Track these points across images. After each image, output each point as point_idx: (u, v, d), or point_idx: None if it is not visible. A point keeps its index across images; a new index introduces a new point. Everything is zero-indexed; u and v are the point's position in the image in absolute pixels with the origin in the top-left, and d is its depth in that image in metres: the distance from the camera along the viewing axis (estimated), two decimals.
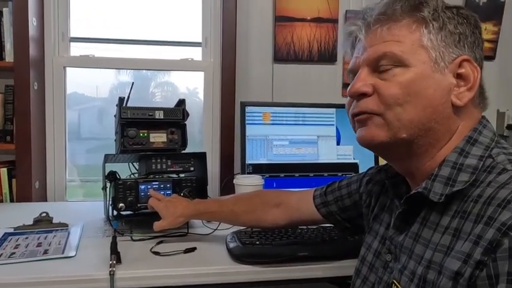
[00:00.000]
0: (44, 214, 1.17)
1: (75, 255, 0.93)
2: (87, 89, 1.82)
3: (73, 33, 1.68)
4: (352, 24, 0.67)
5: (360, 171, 1.12)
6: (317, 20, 1.73)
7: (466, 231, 0.52)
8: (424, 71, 0.58)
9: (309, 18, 1.72)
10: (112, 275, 0.83)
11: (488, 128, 0.61)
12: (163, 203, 1.03)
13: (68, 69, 1.67)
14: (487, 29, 1.85)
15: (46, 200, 1.63)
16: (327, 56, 1.75)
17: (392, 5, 0.61)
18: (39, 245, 0.99)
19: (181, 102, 1.27)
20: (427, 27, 0.59)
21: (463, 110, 0.60)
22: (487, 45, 1.85)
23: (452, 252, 0.52)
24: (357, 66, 0.64)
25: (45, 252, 0.94)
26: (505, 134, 1.87)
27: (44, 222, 1.14)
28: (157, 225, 0.99)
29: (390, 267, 0.64)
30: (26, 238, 1.04)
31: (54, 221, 1.15)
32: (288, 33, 1.71)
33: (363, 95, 0.61)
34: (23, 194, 1.51)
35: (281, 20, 1.71)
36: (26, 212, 1.23)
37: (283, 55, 1.72)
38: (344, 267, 0.93)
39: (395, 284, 0.60)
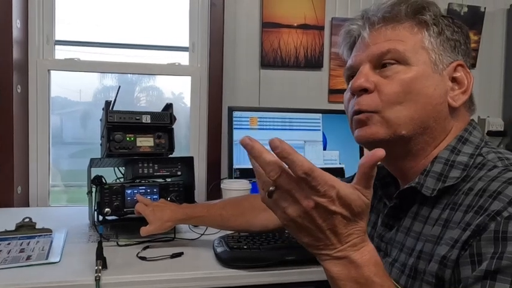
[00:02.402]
0: (27, 219, 1.14)
1: (59, 261, 0.91)
2: (70, 93, 1.79)
3: (58, 36, 1.66)
4: (353, 24, 0.68)
5: (346, 176, 1.13)
6: (303, 27, 1.75)
7: (456, 221, 0.54)
8: (424, 71, 0.61)
9: (295, 24, 1.74)
10: (98, 280, 0.81)
11: (478, 129, 0.64)
12: (150, 207, 1.02)
13: (51, 72, 1.65)
14: None
15: (28, 206, 1.60)
16: (313, 62, 1.77)
17: (396, 7, 0.64)
18: (21, 250, 0.96)
19: (169, 107, 1.26)
20: (428, 30, 0.62)
21: (457, 111, 0.63)
22: None
23: (441, 240, 0.54)
24: (357, 63, 0.66)
25: (28, 258, 0.91)
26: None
27: (26, 228, 1.11)
28: (144, 230, 0.98)
29: None
30: (8, 244, 1.01)
31: (37, 227, 1.13)
32: (275, 39, 1.73)
33: (364, 91, 0.63)
34: (4, 199, 1.47)
35: (268, 26, 1.72)
36: (8, 218, 1.20)
37: (270, 61, 1.73)
38: None
39: None
